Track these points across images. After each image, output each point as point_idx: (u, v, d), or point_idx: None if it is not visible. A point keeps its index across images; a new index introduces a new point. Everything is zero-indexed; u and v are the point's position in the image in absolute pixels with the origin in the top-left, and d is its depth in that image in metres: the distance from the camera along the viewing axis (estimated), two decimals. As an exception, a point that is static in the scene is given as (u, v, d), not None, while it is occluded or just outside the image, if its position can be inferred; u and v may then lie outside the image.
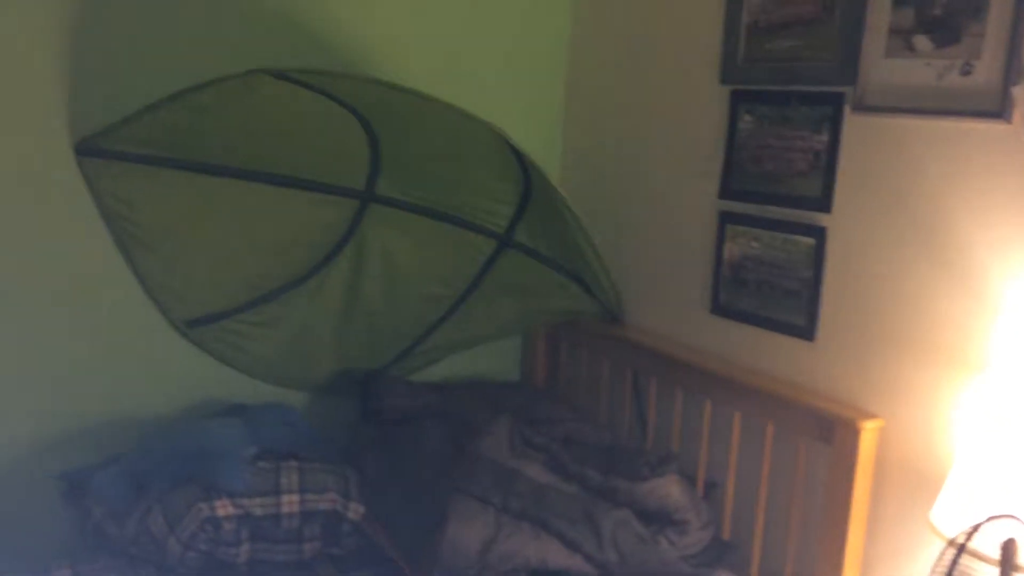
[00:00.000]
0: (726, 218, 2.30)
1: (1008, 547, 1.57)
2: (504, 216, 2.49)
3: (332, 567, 2.13)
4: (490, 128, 2.02)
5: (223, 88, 1.95)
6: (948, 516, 1.68)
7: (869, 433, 1.92)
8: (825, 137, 2.06)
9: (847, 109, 2.02)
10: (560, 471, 2.22)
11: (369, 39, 2.47)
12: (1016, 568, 1.58)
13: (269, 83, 2.01)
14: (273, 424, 2.33)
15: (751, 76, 2.23)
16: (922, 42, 1.85)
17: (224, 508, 2.03)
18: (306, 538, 2.12)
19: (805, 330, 2.13)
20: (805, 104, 2.09)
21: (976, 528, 1.61)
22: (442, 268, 2.62)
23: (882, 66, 1.92)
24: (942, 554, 1.66)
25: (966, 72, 1.78)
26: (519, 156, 2.18)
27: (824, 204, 2.07)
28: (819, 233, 2.08)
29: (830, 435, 1.98)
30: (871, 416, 1.96)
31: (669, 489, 2.14)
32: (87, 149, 2.13)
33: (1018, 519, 1.57)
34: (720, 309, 2.35)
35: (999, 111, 1.72)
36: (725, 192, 2.31)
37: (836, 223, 2.06)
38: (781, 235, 2.16)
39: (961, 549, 1.63)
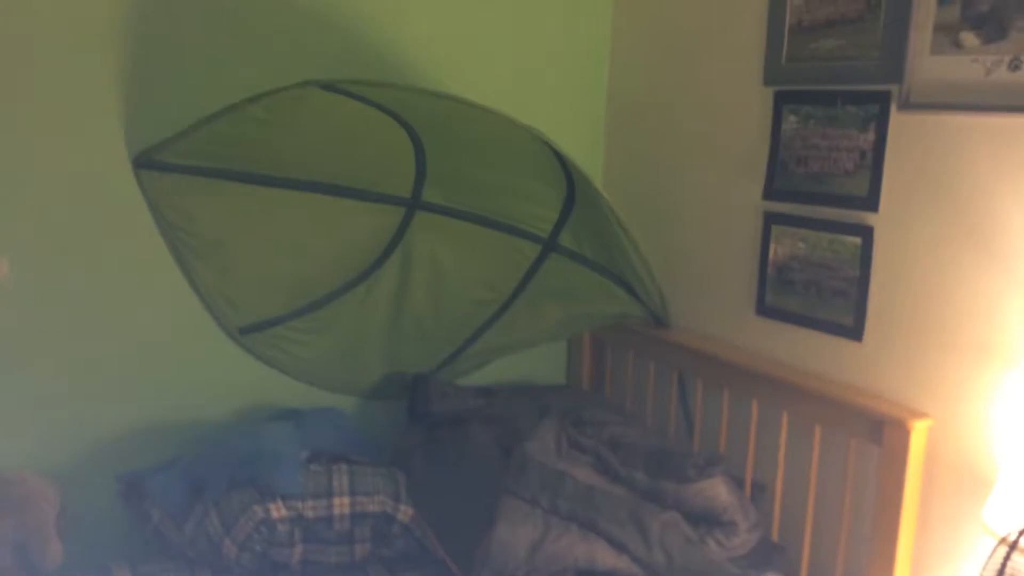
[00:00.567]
0: (771, 219, 2.30)
1: (1065, 547, 1.55)
2: (548, 221, 2.51)
3: (382, 568, 2.16)
4: (533, 133, 2.04)
5: (274, 100, 2.00)
6: (1000, 514, 1.66)
7: (919, 432, 1.91)
8: (871, 136, 2.05)
9: (893, 107, 2.01)
10: (607, 473, 2.23)
11: (413, 48, 2.51)
12: (1074, 568, 1.56)
13: (318, 94, 2.06)
14: (324, 428, 2.37)
15: (795, 76, 2.22)
16: (969, 38, 1.83)
17: (278, 510, 2.08)
18: (357, 539, 2.16)
19: (853, 330, 2.11)
20: (851, 103, 2.08)
21: (1031, 527, 1.59)
22: (488, 273, 2.65)
23: (928, 63, 1.91)
24: (993, 552, 1.64)
25: (1015, 67, 1.76)
26: (562, 160, 2.20)
27: (871, 203, 2.06)
28: (866, 232, 2.07)
29: (880, 435, 1.96)
30: (921, 415, 1.94)
31: (716, 490, 2.14)
32: (144, 162, 2.20)
33: (1075, 518, 1.55)
34: (766, 310, 2.34)
35: (1049, 105, 1.70)
36: (770, 193, 2.30)
37: (883, 222, 2.05)
38: (827, 235, 2.15)
39: (1013, 547, 1.61)
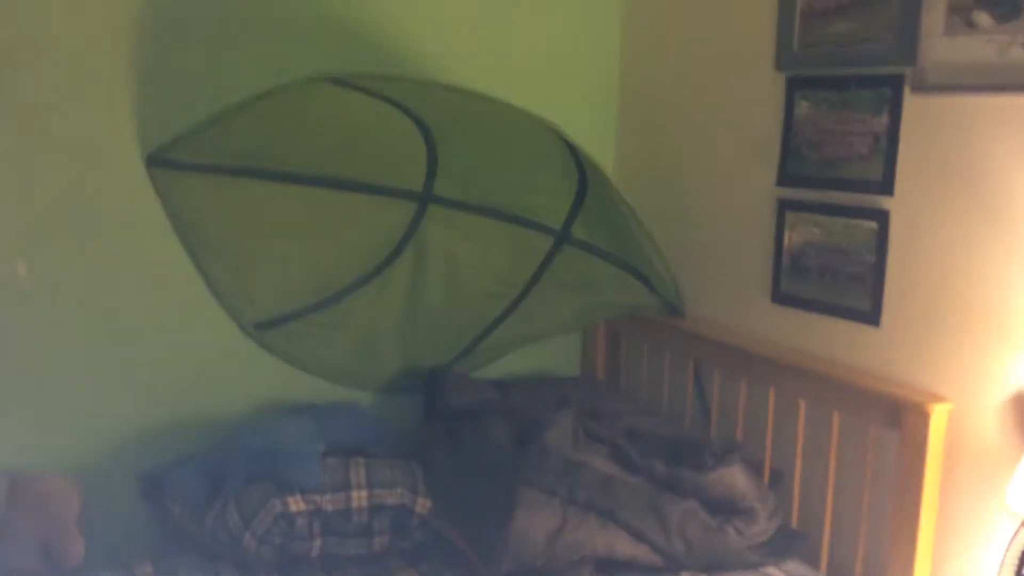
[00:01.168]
0: (785, 205, 2.29)
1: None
2: (561, 212, 2.51)
3: (402, 560, 2.17)
4: (543, 124, 2.04)
5: (284, 96, 2.01)
6: (1022, 495, 1.64)
7: (938, 416, 1.89)
8: (885, 119, 2.03)
9: (907, 90, 1.99)
10: (625, 463, 2.23)
11: (422, 42, 2.51)
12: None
13: (329, 90, 2.06)
14: (341, 422, 2.38)
15: (807, 61, 2.21)
16: (982, 18, 1.82)
17: (296, 504, 2.09)
18: (376, 532, 2.16)
19: (870, 315, 2.10)
20: (864, 87, 2.07)
21: (1054, 509, 1.58)
22: (501, 266, 2.64)
23: (942, 45, 1.89)
24: (1016, 534, 1.63)
25: (1030, 46, 1.74)
26: (573, 151, 2.20)
27: (886, 187, 2.05)
28: (882, 216, 2.06)
29: (898, 420, 1.95)
30: (940, 399, 1.93)
31: (735, 478, 2.13)
32: (157, 160, 2.21)
33: (1098, 499, 1.54)
34: (781, 297, 2.33)
35: (1065, 84, 1.69)
36: (783, 179, 2.29)
37: (899, 206, 2.03)
38: (842, 220, 2.14)
39: (1039, 530, 1.60)
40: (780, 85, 2.29)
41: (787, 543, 2.16)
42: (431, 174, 2.48)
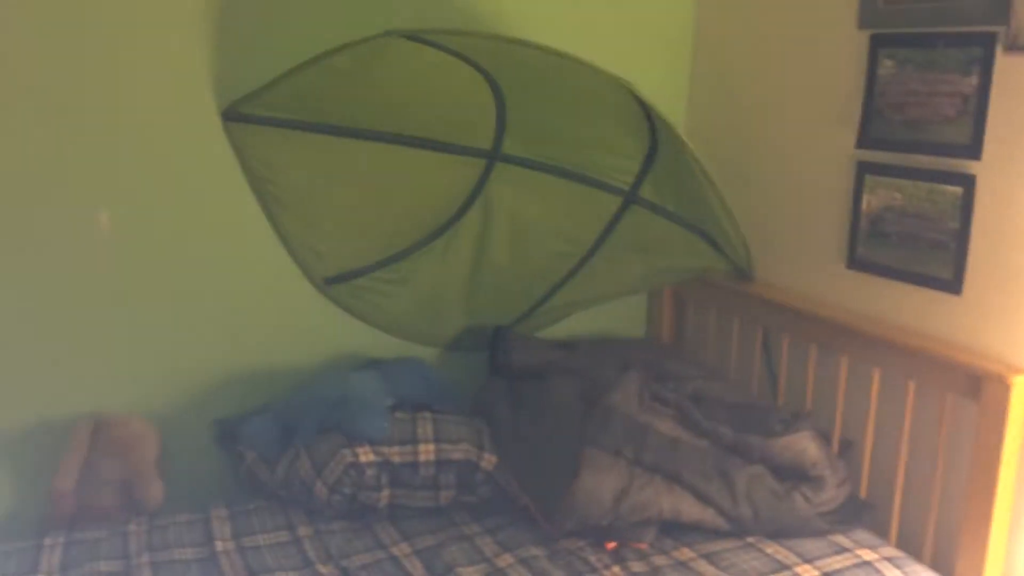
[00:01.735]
0: (865, 168, 2.23)
1: None
2: (630, 172, 2.48)
3: (467, 514, 2.20)
4: (617, 81, 2.00)
5: (357, 51, 2.01)
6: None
7: (1020, 388, 1.84)
8: (975, 80, 1.96)
9: (999, 50, 1.91)
10: (691, 427, 2.22)
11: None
12: None
13: (401, 44, 2.06)
14: (408, 377, 2.41)
15: (892, 19, 2.13)
16: (1085, -27, 1.73)
17: (366, 455, 2.13)
18: (442, 485, 2.19)
19: (951, 283, 2.04)
20: (953, 46, 1.99)
21: None
22: (568, 226, 2.63)
23: (1039, 2, 1.81)
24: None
25: None
26: (645, 109, 2.16)
27: (973, 151, 1.97)
28: (968, 181, 1.99)
29: (978, 390, 1.91)
30: (1022, 370, 1.87)
31: (805, 444, 2.11)
32: (233, 115, 2.24)
33: None
34: (857, 263, 2.28)
35: None
36: (864, 141, 2.23)
37: (986, 170, 1.96)
38: (926, 185, 2.08)
39: None
40: (863, 43, 2.21)
41: (856, 512, 2.14)
42: (500, 132, 2.47)
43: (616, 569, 1.94)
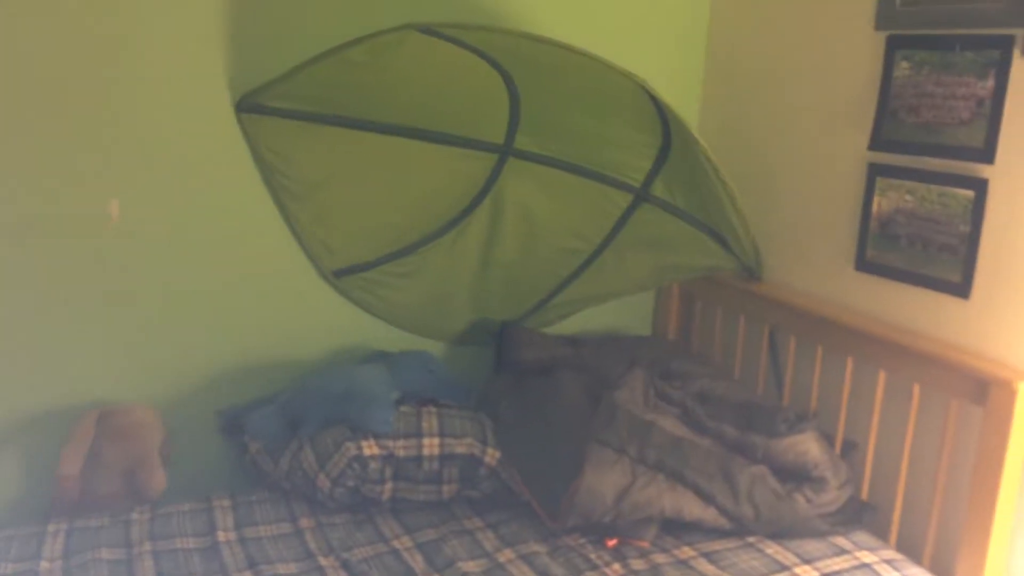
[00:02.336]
0: (876, 170, 2.21)
1: None
2: (641, 170, 2.47)
3: (469, 508, 2.20)
4: (631, 78, 2.00)
5: (373, 44, 2.01)
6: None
7: (1027, 394, 1.84)
8: (990, 83, 1.94)
9: (1016, 53, 1.90)
10: (695, 425, 2.22)
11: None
12: None
13: (416, 38, 2.05)
14: (414, 370, 2.42)
15: (909, 20, 2.12)
16: (1105, -22, 1.71)
17: (370, 448, 2.13)
18: (445, 480, 2.20)
19: (960, 287, 2.03)
20: (970, 49, 1.98)
21: None
22: (578, 222, 2.63)
23: (1057, 5, 1.79)
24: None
25: None
26: (659, 107, 2.15)
27: (987, 155, 1.96)
28: (980, 185, 1.98)
29: (984, 396, 1.90)
30: (1030, 377, 1.87)
31: (808, 445, 2.11)
32: (246, 106, 2.24)
33: None
34: (866, 265, 2.27)
35: None
36: (876, 143, 2.21)
37: (999, 175, 1.95)
38: (937, 188, 2.06)
39: None
40: (879, 44, 2.20)
41: (857, 514, 2.13)
42: (513, 127, 2.47)
43: (617, 566, 1.95)
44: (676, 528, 2.07)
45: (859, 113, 2.26)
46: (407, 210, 2.52)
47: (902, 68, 2.13)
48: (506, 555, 1.99)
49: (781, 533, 2.05)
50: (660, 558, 1.98)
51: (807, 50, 2.43)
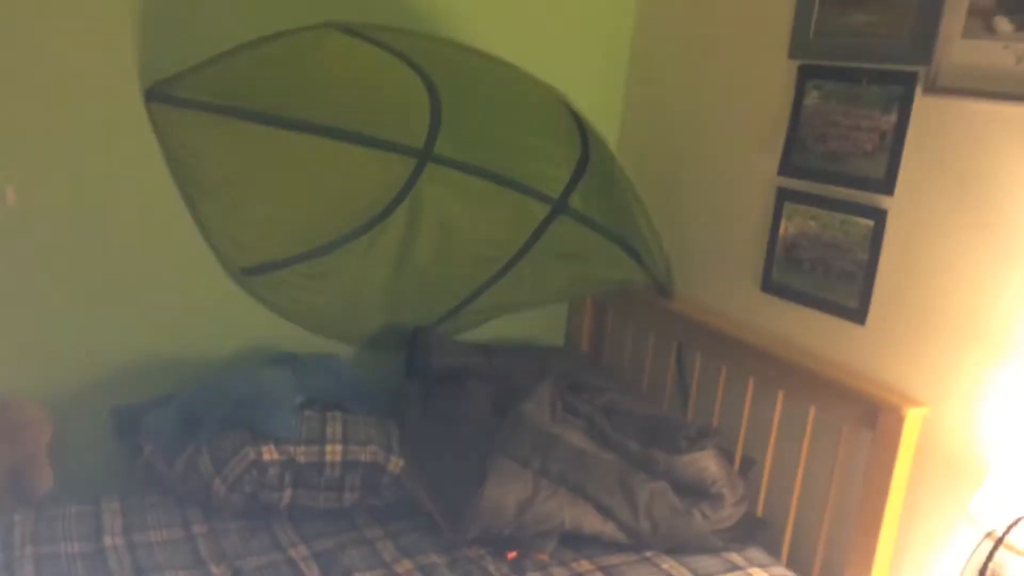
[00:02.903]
0: (784, 195, 2.27)
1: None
2: (560, 181, 2.49)
3: (371, 517, 2.18)
4: (551, 91, 2.01)
5: (294, 40, 1.97)
6: (987, 508, 1.66)
7: (913, 420, 1.90)
8: (893, 118, 2.01)
9: (919, 90, 1.96)
10: (600, 439, 2.24)
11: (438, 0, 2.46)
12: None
13: (337, 37, 2.02)
14: (320, 374, 2.38)
15: (821, 50, 2.17)
16: (1002, 23, 1.78)
17: (270, 453, 2.09)
18: (347, 487, 2.17)
19: (857, 313, 2.10)
20: (876, 83, 2.04)
21: (1016, 522, 1.59)
22: (495, 230, 2.62)
23: (958, 47, 1.86)
24: (978, 546, 1.64)
25: (1047, 57, 1.72)
26: (578, 121, 2.16)
27: (887, 186, 2.03)
28: (879, 215, 2.04)
29: (873, 420, 1.96)
30: (916, 403, 1.93)
31: (706, 463, 2.15)
32: (156, 95, 2.17)
33: (1063, 519, 1.55)
34: (771, 287, 2.32)
35: (1078, 100, 1.66)
36: (785, 169, 2.27)
37: (898, 206, 2.02)
38: (840, 215, 2.12)
39: (999, 542, 1.61)
40: (792, 72, 2.25)
41: (750, 530, 2.18)
42: (433, 132, 2.45)
43: (514, 579, 1.95)
44: (575, 541, 2.08)
45: (771, 138, 2.31)
46: (322, 210, 2.48)
47: (812, 97, 2.19)
48: (404, 566, 1.97)
49: (678, 548, 2.08)
50: (558, 571, 1.99)
51: (725, 72, 2.47)
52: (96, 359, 2.29)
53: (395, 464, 2.19)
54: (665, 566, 2.03)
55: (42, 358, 2.23)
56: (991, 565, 1.66)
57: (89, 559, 1.87)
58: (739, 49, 2.43)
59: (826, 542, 2.13)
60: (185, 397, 2.24)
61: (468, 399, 2.36)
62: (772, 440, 2.24)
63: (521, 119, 2.31)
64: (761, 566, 2.05)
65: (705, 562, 2.05)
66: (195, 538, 2.00)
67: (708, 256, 2.54)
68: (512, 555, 2.03)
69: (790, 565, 2.16)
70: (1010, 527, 1.62)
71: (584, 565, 2.02)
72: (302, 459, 2.11)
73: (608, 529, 2.06)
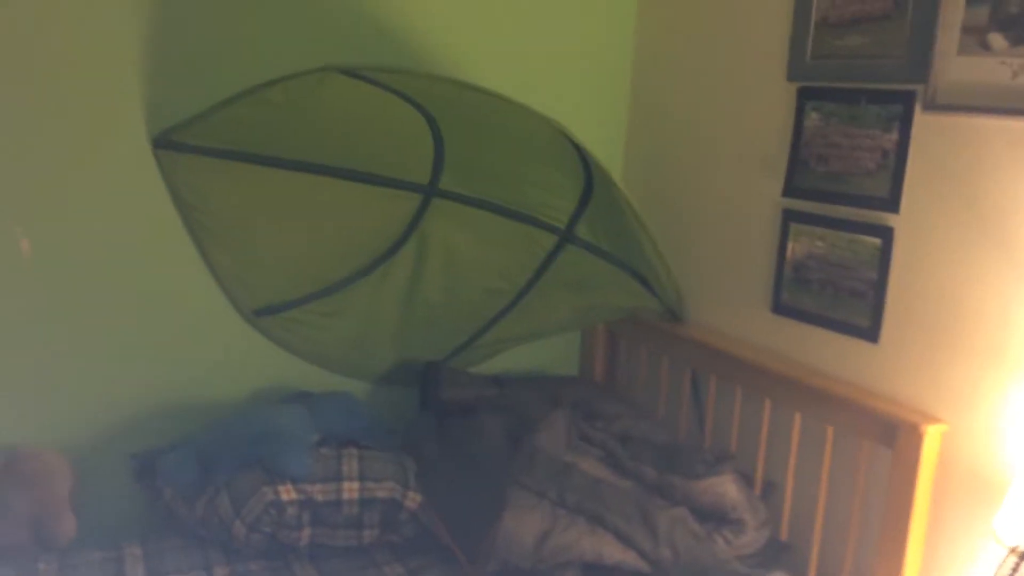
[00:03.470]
0: (790, 216, 2.28)
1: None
2: (565, 211, 2.50)
3: (390, 554, 2.18)
4: (551, 124, 2.03)
5: (295, 84, 2.00)
6: (1011, 524, 1.64)
7: (932, 437, 1.89)
8: (894, 136, 2.02)
9: (918, 108, 1.98)
10: (616, 467, 2.23)
11: (435, 36, 2.50)
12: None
13: (338, 79, 2.06)
14: (335, 412, 2.38)
15: (819, 73, 2.20)
16: (997, 40, 1.80)
17: (287, 493, 2.09)
18: (365, 525, 2.17)
19: (869, 331, 2.09)
20: (875, 103, 2.06)
21: (1042, 538, 1.57)
22: (503, 263, 2.64)
23: (955, 64, 1.88)
24: (1003, 562, 1.63)
25: (1043, 71, 1.73)
26: (579, 151, 2.19)
27: (892, 204, 2.04)
28: (886, 233, 2.05)
29: (892, 439, 1.95)
30: (935, 420, 1.92)
31: (725, 488, 2.13)
32: (164, 142, 2.21)
33: (1087, 531, 1.53)
34: (782, 308, 2.32)
35: (1077, 111, 1.67)
36: (789, 190, 2.28)
37: (904, 223, 2.03)
38: (847, 235, 2.13)
39: (1023, 558, 1.59)
40: (791, 95, 2.27)
41: (775, 555, 2.16)
42: (437, 168, 2.48)
43: (536, 612, 1.94)
44: (597, 571, 2.07)
45: (774, 161, 2.33)
46: (331, 250, 2.51)
47: (812, 119, 2.21)
48: (425, 602, 1.97)
49: (700, 575, 2.06)
50: (580, 602, 1.98)
51: (725, 98, 2.50)
52: (113, 405, 2.31)
53: (412, 499, 2.19)
54: (688, 594, 2.01)
55: (60, 406, 2.25)
56: (1017, 581, 1.64)
57: (111, 606, 1.88)
58: (738, 74, 2.45)
59: (852, 563, 2.11)
60: (202, 440, 2.25)
61: (483, 432, 2.36)
62: (792, 462, 2.23)
63: (523, 151, 2.33)
64: (786, 590, 2.03)
65: (728, 588, 2.03)
66: (216, 581, 2.01)
67: (717, 280, 2.55)
68: (533, 588, 2.02)
69: (815, 588, 2.15)
70: (1034, 541, 1.61)
71: (606, 595, 2.01)
72: (320, 497, 2.12)
73: (629, 558, 2.04)
